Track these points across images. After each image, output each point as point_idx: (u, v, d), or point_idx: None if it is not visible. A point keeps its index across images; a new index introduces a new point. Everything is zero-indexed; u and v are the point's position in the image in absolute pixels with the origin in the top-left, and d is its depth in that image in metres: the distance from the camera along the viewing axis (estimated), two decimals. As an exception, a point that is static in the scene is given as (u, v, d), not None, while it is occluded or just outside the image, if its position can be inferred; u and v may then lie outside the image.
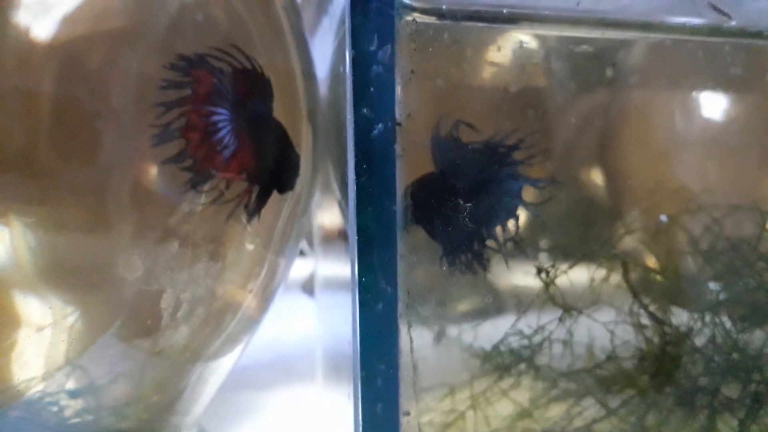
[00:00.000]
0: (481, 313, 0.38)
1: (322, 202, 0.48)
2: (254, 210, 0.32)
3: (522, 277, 0.39)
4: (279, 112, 0.33)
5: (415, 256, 0.29)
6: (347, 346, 0.32)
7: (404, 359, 0.29)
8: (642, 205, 0.41)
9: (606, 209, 0.43)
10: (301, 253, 0.59)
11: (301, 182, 0.36)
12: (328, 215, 0.49)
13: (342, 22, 0.35)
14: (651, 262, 0.42)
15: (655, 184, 0.41)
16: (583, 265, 0.39)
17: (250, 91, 0.31)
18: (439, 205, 0.30)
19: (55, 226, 0.28)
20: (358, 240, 0.28)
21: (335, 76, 0.39)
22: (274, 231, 0.36)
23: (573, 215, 0.41)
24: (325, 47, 0.42)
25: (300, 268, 0.77)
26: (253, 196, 0.32)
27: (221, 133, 0.30)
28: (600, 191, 0.42)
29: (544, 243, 0.40)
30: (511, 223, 0.33)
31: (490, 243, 0.33)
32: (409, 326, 0.29)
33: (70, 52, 0.28)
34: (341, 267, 0.41)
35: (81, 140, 0.28)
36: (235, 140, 0.30)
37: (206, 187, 0.29)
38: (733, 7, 0.33)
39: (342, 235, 0.44)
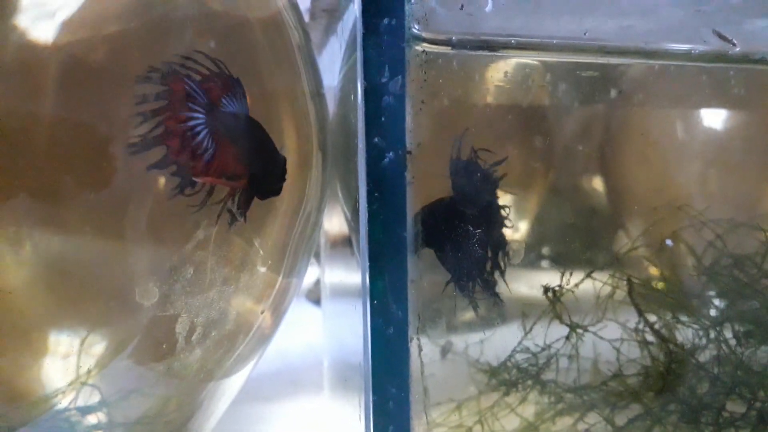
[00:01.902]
0: (489, 328, 0.39)
1: (328, 209, 0.49)
2: (239, 214, 0.32)
3: (530, 294, 0.40)
4: (290, 134, 0.34)
5: (425, 282, 0.30)
6: (354, 356, 0.32)
7: (414, 381, 0.30)
8: (647, 220, 0.42)
9: (612, 224, 0.43)
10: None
11: (311, 203, 0.36)
12: (334, 222, 0.49)
13: (351, 44, 0.35)
14: (655, 272, 0.42)
15: (658, 200, 0.42)
16: (589, 281, 0.40)
17: (222, 93, 0.31)
18: (450, 230, 0.30)
19: (72, 252, 0.28)
20: (370, 266, 0.28)
21: (344, 97, 0.39)
22: (286, 251, 0.36)
23: (578, 230, 0.42)
24: (333, 66, 0.43)
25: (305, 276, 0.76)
26: (236, 198, 0.31)
27: (200, 137, 0.30)
28: (606, 207, 0.43)
29: (551, 259, 0.41)
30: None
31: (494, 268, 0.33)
32: (420, 350, 0.30)
33: (84, 78, 0.28)
34: (347, 274, 0.41)
35: (96, 165, 0.28)
36: (213, 143, 0.30)
37: (192, 191, 0.29)
38: (735, 28, 0.34)
39: (347, 241, 0.44)
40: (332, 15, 0.42)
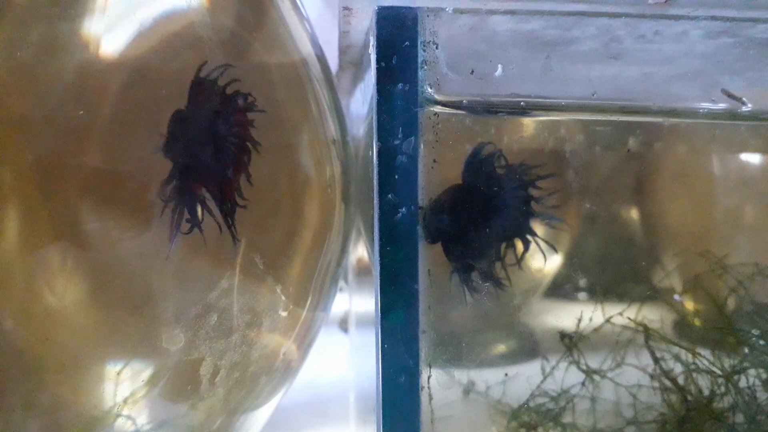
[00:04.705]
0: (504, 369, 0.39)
1: (356, 238, 0.50)
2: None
3: (548, 336, 0.40)
4: (311, 186, 0.36)
5: (436, 332, 0.31)
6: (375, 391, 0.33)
7: (425, 428, 0.31)
8: (667, 267, 0.42)
9: (632, 270, 0.44)
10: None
11: (332, 249, 0.38)
12: (359, 250, 0.50)
13: (370, 101, 0.37)
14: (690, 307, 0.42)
15: (683, 246, 0.42)
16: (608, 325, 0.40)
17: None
18: (457, 217, 0.31)
19: (103, 298, 0.30)
20: (382, 318, 0.30)
21: (367, 146, 0.41)
22: (309, 292, 0.38)
23: (600, 266, 0.43)
24: (361, 112, 0.45)
25: (336, 305, 0.77)
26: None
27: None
28: (625, 256, 0.43)
29: (572, 296, 0.41)
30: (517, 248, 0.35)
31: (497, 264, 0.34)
32: (430, 398, 0.31)
33: (115, 130, 0.30)
34: (371, 303, 0.42)
35: (130, 214, 0.30)
36: None
37: None
38: (759, 75, 0.34)
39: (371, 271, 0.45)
40: (359, 67, 0.43)
